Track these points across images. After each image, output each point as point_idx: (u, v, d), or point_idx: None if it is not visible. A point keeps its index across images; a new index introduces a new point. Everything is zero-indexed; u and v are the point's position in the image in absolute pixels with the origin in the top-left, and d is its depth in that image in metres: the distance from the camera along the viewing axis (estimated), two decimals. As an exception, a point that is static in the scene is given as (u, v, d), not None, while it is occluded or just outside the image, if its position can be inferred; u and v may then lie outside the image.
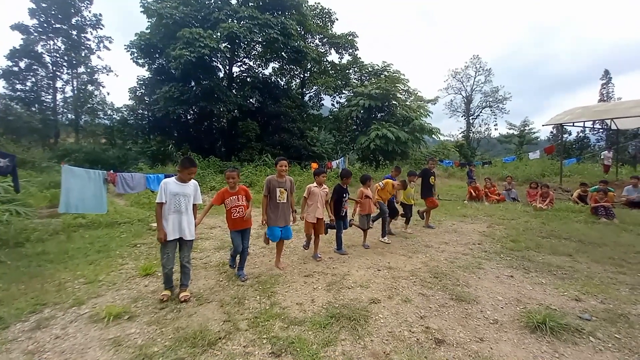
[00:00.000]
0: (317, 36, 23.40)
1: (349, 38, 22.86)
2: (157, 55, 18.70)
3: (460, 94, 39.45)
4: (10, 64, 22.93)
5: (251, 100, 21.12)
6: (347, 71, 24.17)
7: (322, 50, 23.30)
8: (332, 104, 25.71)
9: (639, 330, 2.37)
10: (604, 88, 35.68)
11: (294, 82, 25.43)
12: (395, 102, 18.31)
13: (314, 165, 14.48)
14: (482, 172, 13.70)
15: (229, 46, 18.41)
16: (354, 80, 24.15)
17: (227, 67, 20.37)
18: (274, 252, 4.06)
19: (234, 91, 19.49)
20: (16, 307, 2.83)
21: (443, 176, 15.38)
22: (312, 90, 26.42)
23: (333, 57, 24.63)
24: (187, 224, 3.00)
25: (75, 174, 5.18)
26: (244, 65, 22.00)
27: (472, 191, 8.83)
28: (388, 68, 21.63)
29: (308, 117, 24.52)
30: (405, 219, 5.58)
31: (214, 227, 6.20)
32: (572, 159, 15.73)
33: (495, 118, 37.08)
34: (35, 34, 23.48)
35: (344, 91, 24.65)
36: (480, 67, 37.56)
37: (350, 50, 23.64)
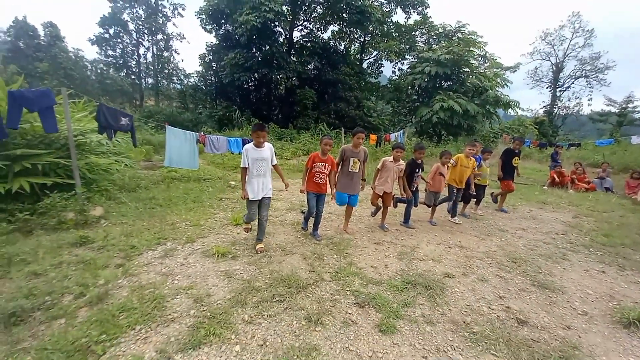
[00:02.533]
0: (383, -9, 21.39)
1: (420, -7, 20.47)
2: (223, 21, 19.31)
3: (549, 59, 33.32)
4: (102, 30, 26.06)
5: (309, 66, 20.95)
6: (414, 33, 21.99)
7: (387, 10, 21.35)
8: (393, 71, 24.10)
9: None
10: None
11: (353, 47, 24.21)
12: (467, 69, 16.40)
13: (373, 136, 14.20)
14: (568, 156, 11.97)
15: (291, 9, 18.07)
16: (421, 44, 22.00)
17: (288, 32, 20.22)
18: (342, 217, 4.34)
19: (293, 58, 19.49)
20: (145, 238, 3.59)
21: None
22: (372, 56, 24.94)
23: (399, 17, 22.48)
24: (268, 184, 3.34)
25: (175, 134, 6.02)
26: (304, 30, 21.59)
27: (555, 176, 7.88)
28: (462, 29, 19.12)
29: (366, 86, 23.57)
30: (476, 200, 5.34)
31: (282, 189, 6.76)
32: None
33: (591, 91, 30.78)
34: (121, 2, 25.94)
35: (407, 56, 22.77)
36: (580, 26, 30.77)
37: (420, 9, 21.25)
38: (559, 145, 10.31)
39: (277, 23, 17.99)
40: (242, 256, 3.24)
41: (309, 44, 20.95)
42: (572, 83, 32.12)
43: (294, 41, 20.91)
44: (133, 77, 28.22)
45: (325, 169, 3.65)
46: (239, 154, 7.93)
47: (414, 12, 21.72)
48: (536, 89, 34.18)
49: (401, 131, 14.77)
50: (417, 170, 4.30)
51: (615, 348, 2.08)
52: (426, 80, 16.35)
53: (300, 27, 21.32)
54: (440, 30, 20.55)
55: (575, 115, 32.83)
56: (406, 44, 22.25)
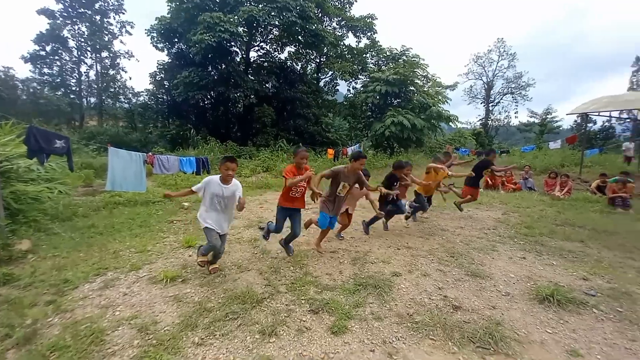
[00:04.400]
0: (335, 19, 22.99)
1: (368, 21, 22.35)
2: (176, 40, 19.02)
3: (481, 79, 38.04)
4: (37, 47, 23.80)
5: (267, 85, 21.30)
6: (365, 55, 23.77)
7: (340, 34, 22.91)
8: (348, 89, 25.53)
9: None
10: (635, 76, 33.61)
11: (309, 67, 25.28)
12: (412, 88, 18.07)
13: (330, 151, 14.71)
14: (500, 161, 13.58)
15: (247, 30, 18.45)
16: (371, 65, 23.78)
17: (245, 52, 20.50)
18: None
19: (250, 76, 19.70)
20: (81, 270, 3.30)
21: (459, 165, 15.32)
22: (328, 75, 26.22)
23: (350, 40, 24.18)
24: (225, 221, 3.11)
25: (119, 155, 5.66)
26: (261, 50, 22.06)
27: (488, 180, 8.91)
28: (407, 52, 21.16)
29: (323, 103, 24.53)
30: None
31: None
32: (594, 150, 15.30)
33: (517, 105, 35.72)
34: (61, 19, 24.14)
35: (360, 76, 24.35)
36: (504, 51, 35.85)
37: (369, 34, 23.16)
38: (492, 153, 11.71)
39: (233, 43, 18.17)
40: (194, 278, 3.14)
41: (266, 63, 21.42)
42: (501, 99, 36.95)
43: (251, 60, 21.21)
44: (72, 96, 25.91)
45: (303, 182, 3.44)
46: (193, 173, 7.68)
47: (363, 37, 23.57)
48: (472, 104, 38.52)
49: (357, 145, 15.55)
50: (395, 184, 4.38)
51: (532, 321, 2.42)
52: (378, 98, 17.62)
53: (257, 48, 21.75)
54: (388, 53, 22.49)
55: (506, 127, 37.56)
56: (358, 65, 23.87)
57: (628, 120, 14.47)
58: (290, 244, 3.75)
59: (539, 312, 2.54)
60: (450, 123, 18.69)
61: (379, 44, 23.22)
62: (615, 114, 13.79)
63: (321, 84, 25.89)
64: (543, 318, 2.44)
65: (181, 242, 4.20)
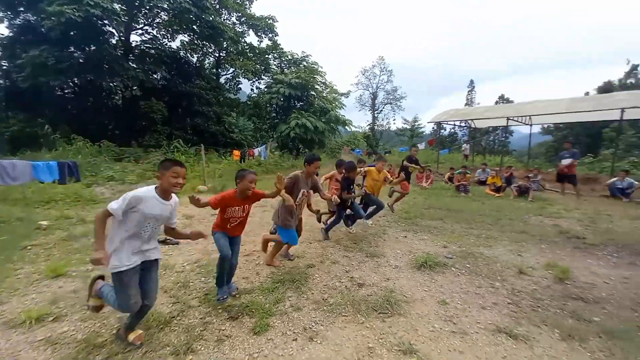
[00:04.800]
0: (235, 14, 22.07)
1: (268, 21, 22.44)
2: (22, 9, 14.22)
3: (368, 90, 43.89)
4: None
5: (155, 76, 18.55)
6: (267, 56, 23.77)
7: (240, 30, 22.14)
8: (252, 89, 24.99)
9: (480, 262, 3.68)
10: (469, 94, 45.86)
11: (207, 61, 23.42)
12: (313, 93, 19.27)
13: (236, 152, 14.11)
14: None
15: (126, 8, 15.54)
16: (274, 67, 24.00)
17: (123, 34, 17.20)
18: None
19: (132, 64, 16.70)
20: None
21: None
22: (229, 72, 24.95)
23: (252, 39, 23.71)
24: (154, 251, 2.12)
25: None
26: (146, 35, 18.99)
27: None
28: (307, 58, 22.37)
29: (225, 101, 23.19)
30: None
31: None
32: (445, 150, 20.15)
33: (394, 114, 43.11)
34: None
35: (263, 77, 24.22)
36: (384, 67, 42.49)
37: (270, 35, 23.26)
38: (378, 153, 13.88)
39: (107, 22, 14.93)
40: (71, 314, 2.53)
41: (153, 50, 18.56)
42: (383, 107, 43.71)
43: (133, 45, 17.98)
44: None
45: (242, 212, 2.71)
46: (55, 182, 5.99)
47: (265, 37, 23.50)
48: (362, 111, 44.18)
49: (263, 146, 15.47)
50: (351, 186, 4.34)
51: (414, 285, 3.07)
52: (282, 100, 17.99)
53: (140, 31, 18.59)
54: (290, 57, 23.19)
55: (388, 131, 44.67)
56: (261, 65, 23.68)
57: (465, 127, 19.84)
58: (232, 282, 2.91)
59: (418, 276, 3.25)
60: (346, 127, 20.91)
61: (280, 46, 23.68)
62: (457, 122, 18.53)
63: (222, 80, 24.43)
64: (421, 280, 3.15)
65: (43, 273, 3.28)
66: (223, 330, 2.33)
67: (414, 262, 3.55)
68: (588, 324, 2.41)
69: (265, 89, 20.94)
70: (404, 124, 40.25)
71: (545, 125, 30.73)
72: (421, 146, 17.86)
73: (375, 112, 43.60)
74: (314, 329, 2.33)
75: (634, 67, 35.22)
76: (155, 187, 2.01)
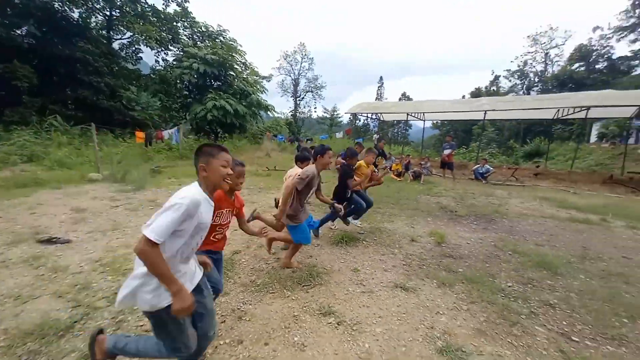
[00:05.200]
0: (130, -35, 18.33)
1: (175, -16, 19.55)
2: None
3: (290, 76, 43.70)
4: None
5: (19, 31, 14.08)
6: (176, 24, 20.82)
7: (139, -13, 18.63)
8: (156, 60, 21.62)
9: (384, 234, 4.38)
10: (379, 89, 50.85)
11: (94, 19, 18.99)
12: (232, 73, 18.05)
13: (139, 134, 12.23)
14: (307, 147, 16.75)
15: None
16: (185, 38, 21.27)
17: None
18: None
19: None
20: None
21: (278, 150, 17.35)
22: (126, 37, 20.89)
23: (157, 2, 20.25)
24: (194, 262, 1.59)
25: None
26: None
27: (300, 162, 10.92)
28: (224, 34, 20.63)
29: (121, 72, 19.49)
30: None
31: (-11, 216, 4.42)
32: (360, 139, 22.15)
33: (315, 102, 44.48)
34: None
35: (171, 47, 21.22)
36: (305, 54, 42.88)
37: (179, 0, 20.36)
38: (301, 139, 14.29)
39: None
40: None
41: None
42: (305, 95, 44.46)
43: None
44: None
45: (229, 217, 2.06)
46: None
47: (172, 1, 20.44)
48: (284, 97, 43.95)
49: (175, 128, 13.86)
50: (352, 175, 4.05)
51: (333, 258, 3.48)
52: (196, 76, 16.24)
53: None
54: (204, 29, 20.91)
55: (310, 119, 45.84)
56: (168, 34, 20.64)
57: (376, 120, 22.28)
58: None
59: (336, 251, 3.70)
60: (269, 112, 20.54)
61: (191, 14, 21.07)
62: (370, 115, 20.54)
63: (116, 46, 20.30)
64: (338, 254, 3.59)
65: None
66: (142, 325, 2.21)
67: (333, 239, 4.00)
68: (455, 274, 3.26)
69: (175, 63, 18.48)
70: (324, 112, 42.08)
71: (435, 121, 37.12)
72: (339, 135, 19.15)
73: (298, 99, 43.98)
74: (242, 309, 2.44)
75: (497, 77, 45.43)
76: (199, 184, 1.48)
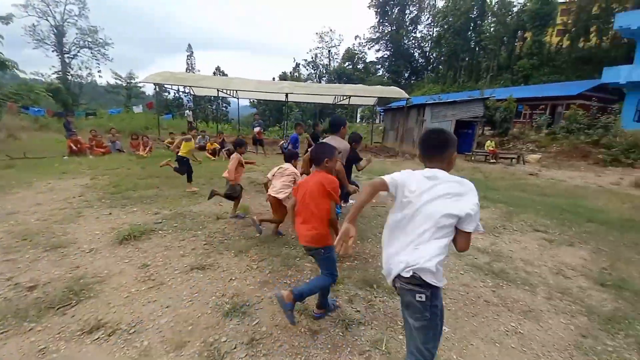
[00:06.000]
0: None
1: None
2: None
3: (46, 19, 30.10)
4: None
5: None
6: None
7: None
8: None
9: (187, 218, 4.11)
10: (189, 59, 45.51)
11: None
12: None
13: None
14: (87, 124, 12.56)
15: None
16: None
17: None
18: None
19: None
20: None
21: (33, 128, 11.93)
22: None
23: None
24: None
25: None
26: None
27: (72, 145, 8.03)
28: None
29: None
30: None
31: None
32: (169, 115, 19.29)
33: (98, 63, 33.50)
34: None
35: None
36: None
37: None
38: (69, 114, 10.44)
39: None
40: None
41: None
42: (79, 52, 32.44)
43: None
44: None
45: None
46: None
47: None
48: (41, 49, 30.10)
49: None
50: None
51: (113, 261, 2.89)
52: None
53: None
54: None
55: (93, 85, 34.36)
56: None
57: (190, 94, 19.83)
58: None
59: (119, 251, 3.10)
60: (7, 70, 13.29)
61: None
62: (181, 87, 18.00)
63: None
64: (122, 254, 3.03)
65: None
66: None
67: (116, 238, 3.31)
68: (253, 239, 3.60)
69: None
70: (116, 79, 32.74)
71: (252, 100, 38.44)
72: (138, 109, 15.70)
73: (66, 55, 31.48)
74: None
75: (297, 65, 52.34)
76: None
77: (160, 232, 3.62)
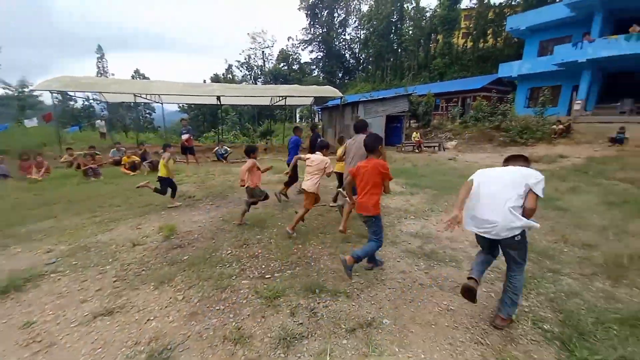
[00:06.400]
0: None
1: None
2: None
3: None
4: None
5: None
6: None
7: None
8: None
9: (92, 251, 3.43)
10: (100, 62, 39.67)
11: None
12: None
13: None
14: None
15: None
16: None
17: None
18: None
19: None
20: None
21: None
22: None
23: None
24: None
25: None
26: None
27: None
28: None
29: None
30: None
31: None
32: (75, 127, 16.41)
33: (-28, 68, 26.81)
34: None
35: None
36: None
37: None
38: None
39: None
40: None
41: None
42: (-64, 53, 25.53)
43: None
44: None
45: None
46: None
47: None
48: None
49: None
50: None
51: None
52: None
53: None
54: None
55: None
56: None
57: (103, 101, 16.99)
58: None
59: (-8, 311, 2.39)
60: None
61: None
62: (90, 94, 15.42)
63: None
64: (-5, 313, 2.34)
65: None
66: None
67: (-15, 292, 2.55)
68: (179, 264, 3.17)
69: None
70: (4, 88, 26.69)
71: (182, 105, 35.34)
72: (31, 122, 12.93)
73: None
74: None
75: (230, 66, 49.98)
76: None
77: (52, 275, 2.92)
